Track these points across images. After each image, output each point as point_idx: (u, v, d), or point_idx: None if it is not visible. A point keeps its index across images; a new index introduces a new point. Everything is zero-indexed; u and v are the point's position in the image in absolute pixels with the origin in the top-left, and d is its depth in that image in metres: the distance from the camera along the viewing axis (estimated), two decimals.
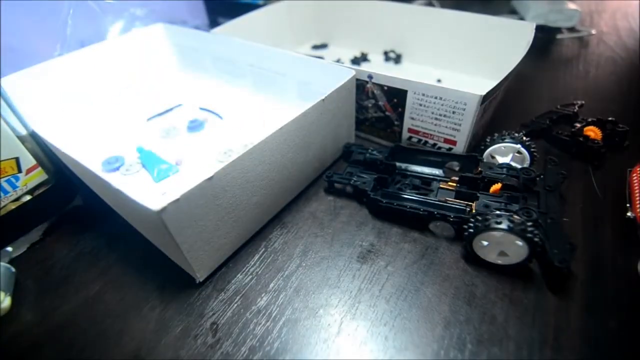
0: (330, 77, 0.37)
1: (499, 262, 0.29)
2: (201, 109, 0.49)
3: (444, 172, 0.37)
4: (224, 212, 0.29)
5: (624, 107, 0.47)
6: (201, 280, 0.30)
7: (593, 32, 0.68)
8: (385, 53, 0.61)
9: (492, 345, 0.25)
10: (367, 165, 0.38)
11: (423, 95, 0.37)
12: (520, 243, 0.27)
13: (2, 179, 0.32)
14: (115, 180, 0.32)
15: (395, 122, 0.41)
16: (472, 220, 0.28)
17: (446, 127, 0.37)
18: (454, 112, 0.36)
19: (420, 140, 0.40)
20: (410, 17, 0.57)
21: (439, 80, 0.53)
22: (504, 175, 0.32)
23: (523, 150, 0.35)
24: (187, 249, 0.27)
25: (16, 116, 0.33)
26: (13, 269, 0.31)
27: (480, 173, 0.33)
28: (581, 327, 0.26)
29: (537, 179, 0.32)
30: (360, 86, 0.40)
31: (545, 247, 0.27)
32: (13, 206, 0.33)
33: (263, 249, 0.33)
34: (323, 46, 0.67)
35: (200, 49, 0.52)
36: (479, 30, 0.51)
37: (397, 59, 0.60)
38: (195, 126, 0.45)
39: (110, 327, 0.28)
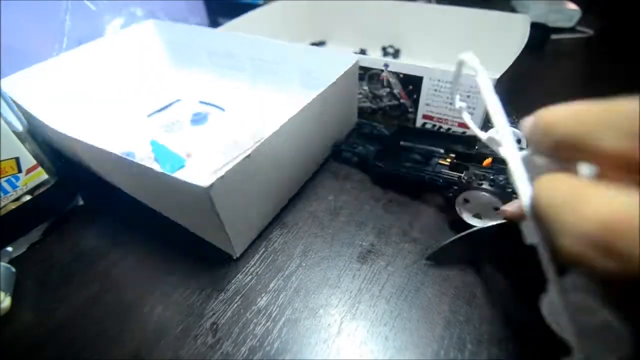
0: (332, 64, 0.38)
1: (480, 224, 0.30)
2: (201, 102, 0.50)
3: (444, 149, 0.39)
4: (259, 188, 0.30)
5: None
6: (237, 256, 0.31)
7: (592, 32, 0.68)
8: (384, 49, 0.62)
9: (492, 345, 0.25)
10: (374, 139, 0.40)
11: (439, 81, 0.38)
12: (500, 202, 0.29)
13: (2, 179, 0.32)
14: None
15: (410, 109, 0.42)
16: (459, 182, 0.31)
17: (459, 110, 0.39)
18: (468, 97, 0.37)
19: (434, 125, 0.42)
20: (407, 13, 0.58)
21: None
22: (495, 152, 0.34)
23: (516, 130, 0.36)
24: (229, 226, 0.28)
25: (16, 116, 0.33)
26: (13, 269, 0.31)
27: (477, 150, 0.35)
28: None
29: None
30: (375, 75, 0.41)
31: None
32: (13, 206, 0.33)
33: (263, 249, 0.33)
34: (321, 44, 0.67)
35: (193, 44, 0.52)
36: (476, 24, 0.52)
37: (396, 54, 0.60)
38: (199, 119, 0.46)
39: (110, 327, 0.28)
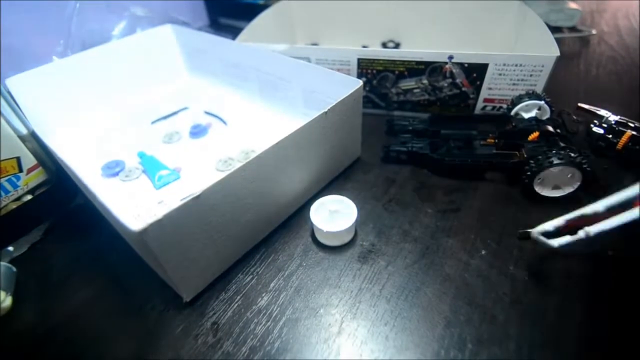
0: (338, 86, 0.36)
1: (555, 194, 0.34)
2: (206, 112, 0.49)
3: (477, 131, 0.41)
4: (214, 231, 0.27)
5: (624, 107, 0.46)
6: (188, 300, 0.29)
7: (594, 32, 0.67)
8: (384, 44, 0.63)
9: (492, 345, 0.25)
10: (414, 134, 0.42)
11: (504, 65, 0.40)
12: (575, 172, 0.32)
13: (3, 179, 0.32)
14: (114, 185, 0.31)
15: (471, 96, 0.44)
16: (529, 163, 0.33)
17: (522, 90, 0.41)
18: (531, 75, 0.40)
19: (494, 107, 0.44)
20: (403, 7, 0.59)
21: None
22: (535, 126, 0.37)
23: (544, 105, 0.39)
24: (172, 269, 0.26)
25: (17, 116, 0.33)
26: (14, 269, 0.31)
27: (515, 127, 0.38)
28: (581, 327, 0.26)
29: (562, 126, 0.38)
30: (438, 68, 0.42)
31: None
32: (14, 206, 0.33)
33: (263, 249, 0.33)
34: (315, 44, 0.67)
35: (208, 52, 0.51)
36: (471, 11, 0.56)
37: (396, 48, 0.61)
38: (198, 132, 0.45)
39: (111, 327, 0.28)
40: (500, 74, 0.41)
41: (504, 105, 0.43)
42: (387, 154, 0.41)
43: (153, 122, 0.48)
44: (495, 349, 0.25)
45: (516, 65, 0.40)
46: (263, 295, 0.29)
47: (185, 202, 0.24)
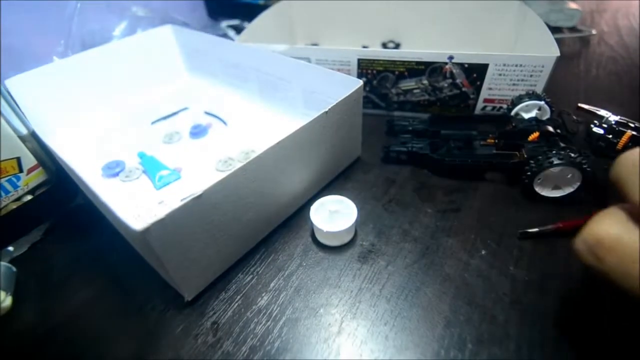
0: (338, 86, 0.36)
1: (555, 195, 0.34)
2: (206, 113, 0.49)
3: (477, 132, 0.41)
4: (215, 230, 0.27)
5: (624, 107, 0.47)
6: (189, 299, 0.29)
7: (594, 32, 0.67)
8: (384, 44, 0.63)
9: (493, 345, 0.25)
10: (414, 134, 0.42)
11: (504, 65, 0.40)
12: (575, 172, 0.32)
13: (4, 179, 0.32)
14: (114, 186, 0.31)
15: (471, 96, 0.44)
16: (529, 163, 0.33)
17: (522, 90, 0.41)
18: (531, 76, 0.40)
19: (494, 107, 0.44)
20: (404, 6, 0.60)
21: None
22: (536, 126, 0.37)
23: (545, 105, 0.39)
24: (173, 268, 0.26)
25: (17, 116, 0.33)
26: (14, 269, 0.31)
27: (515, 127, 0.38)
28: (581, 327, 0.26)
29: (562, 126, 0.38)
30: (438, 68, 0.42)
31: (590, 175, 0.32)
32: (14, 206, 0.33)
33: (264, 248, 0.33)
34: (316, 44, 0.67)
35: (208, 53, 0.51)
36: (471, 11, 0.56)
37: (396, 49, 0.61)
38: (198, 132, 0.45)
39: (111, 327, 0.28)
40: (500, 74, 0.41)
41: (504, 106, 0.43)
42: (387, 154, 0.41)
43: (153, 123, 0.48)
44: (495, 349, 0.25)
45: (516, 66, 0.40)
46: (263, 295, 0.29)
47: (187, 201, 0.24)
